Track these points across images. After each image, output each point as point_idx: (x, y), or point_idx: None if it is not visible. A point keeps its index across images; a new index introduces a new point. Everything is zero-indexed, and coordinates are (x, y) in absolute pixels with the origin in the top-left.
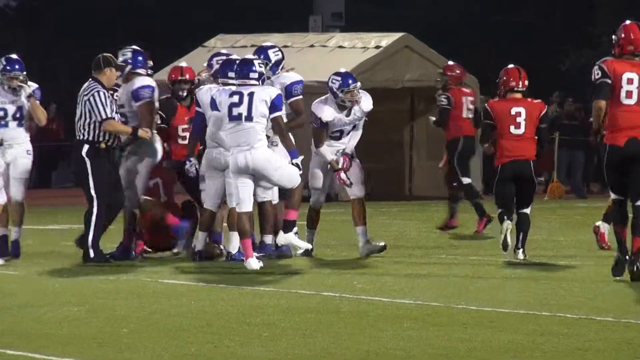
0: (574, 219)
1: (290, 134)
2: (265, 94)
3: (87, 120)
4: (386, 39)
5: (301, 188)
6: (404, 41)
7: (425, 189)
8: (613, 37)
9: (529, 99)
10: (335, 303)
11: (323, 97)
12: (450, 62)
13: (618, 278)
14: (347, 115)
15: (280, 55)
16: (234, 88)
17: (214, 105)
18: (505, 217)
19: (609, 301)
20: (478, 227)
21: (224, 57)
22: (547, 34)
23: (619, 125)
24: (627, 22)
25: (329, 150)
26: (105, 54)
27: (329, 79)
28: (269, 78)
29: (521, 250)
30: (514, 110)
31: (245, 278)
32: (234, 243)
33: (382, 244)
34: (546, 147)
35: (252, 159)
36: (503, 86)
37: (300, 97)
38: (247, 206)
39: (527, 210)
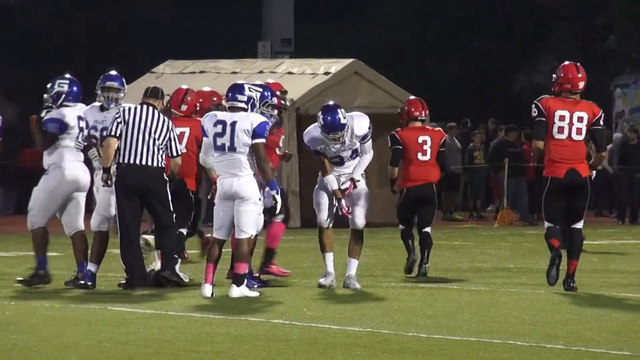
0: (524, 246)
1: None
2: (247, 122)
3: (164, 149)
4: (335, 65)
5: (253, 243)
6: (354, 67)
7: (375, 216)
8: (553, 75)
9: (430, 127)
10: (285, 331)
11: (312, 125)
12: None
13: (552, 288)
14: (340, 143)
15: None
16: (219, 115)
17: (203, 130)
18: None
19: (560, 328)
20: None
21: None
22: (501, 58)
23: (554, 158)
24: (566, 62)
25: (334, 179)
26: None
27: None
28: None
29: (426, 265)
30: (420, 139)
31: (195, 305)
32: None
33: (359, 286)
34: (447, 170)
35: (239, 184)
36: (407, 115)
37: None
38: (224, 234)
39: (429, 229)
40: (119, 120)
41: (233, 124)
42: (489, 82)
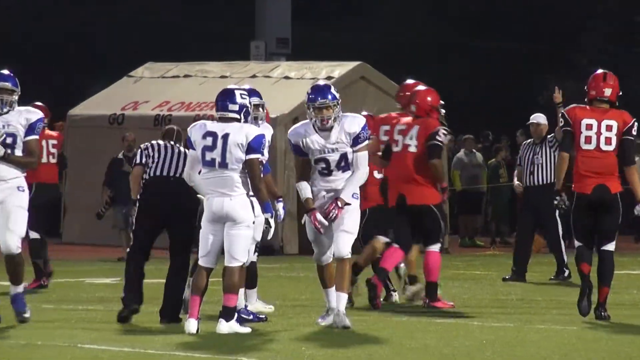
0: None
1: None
2: (241, 135)
3: None
4: (339, 69)
5: (244, 273)
6: (360, 71)
7: None
8: (585, 87)
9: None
10: None
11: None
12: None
13: (585, 323)
14: (327, 138)
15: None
16: (209, 125)
17: (189, 142)
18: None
19: None
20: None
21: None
22: (527, 61)
23: (582, 171)
24: (599, 71)
25: (307, 185)
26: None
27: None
28: None
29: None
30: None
31: (178, 343)
32: (243, 298)
33: (349, 324)
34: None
35: (230, 205)
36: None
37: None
38: (211, 261)
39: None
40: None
41: (225, 136)
42: (514, 88)
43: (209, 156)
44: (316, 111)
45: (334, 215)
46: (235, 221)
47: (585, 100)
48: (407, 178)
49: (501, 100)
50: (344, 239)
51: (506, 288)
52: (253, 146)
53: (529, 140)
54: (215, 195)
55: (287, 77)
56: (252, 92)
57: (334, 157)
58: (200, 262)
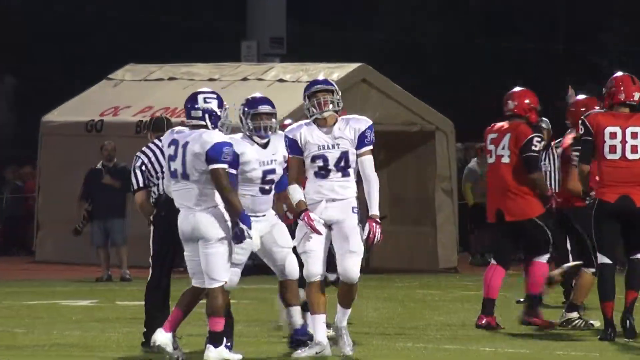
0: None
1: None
2: (198, 143)
3: None
4: (338, 71)
5: (227, 297)
6: (361, 73)
7: (388, 260)
8: (603, 89)
9: None
10: None
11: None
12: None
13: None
14: (328, 133)
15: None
16: (176, 132)
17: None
18: None
19: None
20: None
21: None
22: (542, 63)
23: (606, 181)
24: (619, 73)
25: (299, 189)
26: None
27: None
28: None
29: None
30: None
31: None
32: (295, 317)
33: (350, 352)
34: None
35: (195, 221)
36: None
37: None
38: (199, 281)
39: None
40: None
41: (185, 145)
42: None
43: (172, 166)
44: (312, 99)
45: (379, 236)
46: (204, 238)
47: (604, 105)
48: (504, 191)
49: None
50: (352, 261)
51: (520, 310)
52: (211, 155)
53: None
54: (183, 210)
55: (281, 80)
56: (214, 96)
57: (333, 155)
58: (193, 282)
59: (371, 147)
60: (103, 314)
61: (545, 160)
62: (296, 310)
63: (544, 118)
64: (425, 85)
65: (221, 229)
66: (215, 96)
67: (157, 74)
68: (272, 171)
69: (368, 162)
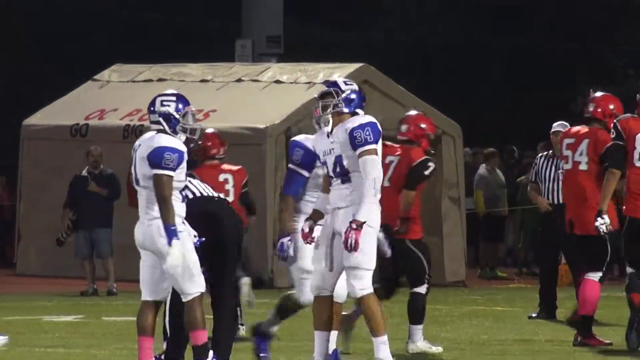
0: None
1: None
2: (145, 148)
3: None
4: (339, 72)
5: (201, 300)
6: (363, 74)
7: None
8: (637, 95)
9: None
10: None
11: None
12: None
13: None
14: (330, 138)
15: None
16: (140, 138)
17: None
18: None
19: None
20: None
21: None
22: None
23: (634, 191)
24: None
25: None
26: None
27: None
28: None
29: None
30: (221, 177)
31: None
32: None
33: None
34: (253, 212)
35: (144, 232)
36: (203, 152)
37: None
38: (149, 293)
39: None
40: None
41: (136, 149)
42: (544, 95)
43: (132, 171)
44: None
45: (353, 241)
46: (155, 252)
47: (637, 111)
48: (579, 200)
49: (527, 108)
50: (356, 278)
51: (533, 327)
52: (152, 160)
53: (546, 153)
54: (139, 219)
55: (278, 81)
56: (172, 99)
57: (330, 160)
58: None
59: (367, 147)
60: (88, 330)
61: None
62: (332, 335)
63: (563, 122)
64: (431, 87)
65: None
66: (174, 99)
67: (146, 75)
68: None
69: (362, 164)
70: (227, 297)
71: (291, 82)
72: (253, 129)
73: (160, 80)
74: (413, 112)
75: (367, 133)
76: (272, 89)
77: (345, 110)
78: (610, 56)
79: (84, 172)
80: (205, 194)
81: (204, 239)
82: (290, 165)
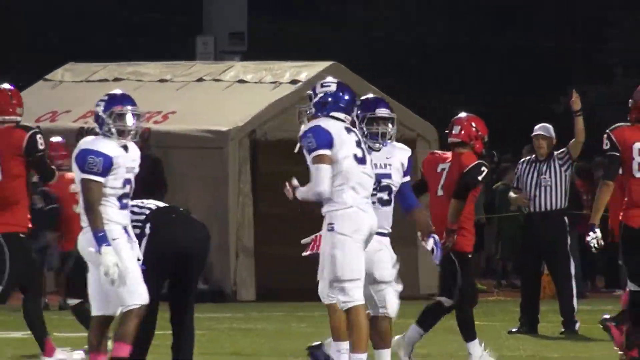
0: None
1: None
2: (75, 151)
3: None
4: (307, 71)
5: (139, 313)
6: (333, 73)
7: None
8: (630, 100)
9: None
10: None
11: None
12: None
13: None
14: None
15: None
16: None
17: None
18: None
19: None
20: None
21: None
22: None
23: (633, 202)
24: None
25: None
26: None
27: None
28: None
29: None
30: (72, 188)
31: None
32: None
33: None
34: None
35: (80, 242)
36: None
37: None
38: (97, 309)
39: None
40: None
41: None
42: (523, 96)
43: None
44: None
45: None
46: (94, 262)
47: (632, 117)
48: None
49: (507, 110)
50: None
51: (513, 342)
52: (77, 163)
53: (529, 157)
54: None
55: (242, 81)
56: (125, 98)
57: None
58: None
59: (311, 154)
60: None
61: (545, 174)
62: (385, 354)
63: (546, 124)
64: (406, 87)
65: (91, 249)
66: (105, 98)
67: (101, 74)
68: (387, 176)
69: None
70: (188, 313)
71: (256, 82)
72: (215, 132)
73: (116, 80)
74: (464, 114)
75: (309, 141)
76: (235, 89)
77: (319, 115)
78: (600, 56)
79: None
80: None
81: (145, 267)
82: None
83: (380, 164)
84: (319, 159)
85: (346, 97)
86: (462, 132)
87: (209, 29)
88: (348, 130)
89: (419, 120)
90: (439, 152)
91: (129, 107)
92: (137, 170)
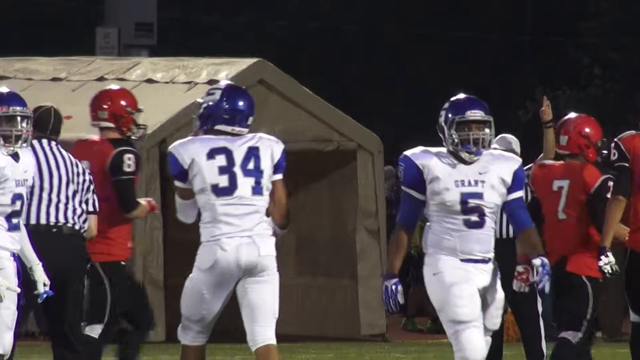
0: None
1: None
2: None
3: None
4: (227, 69)
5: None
6: (258, 72)
7: (292, 324)
8: (638, 104)
9: None
10: None
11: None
12: None
13: None
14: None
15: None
16: None
17: None
18: None
19: None
20: None
21: None
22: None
23: None
24: None
25: None
26: None
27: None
28: None
29: None
30: None
31: None
32: None
33: None
34: None
35: None
36: None
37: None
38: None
39: None
40: None
41: None
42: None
43: None
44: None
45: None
46: None
47: (638, 124)
48: None
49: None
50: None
51: None
52: None
53: None
54: None
55: (150, 80)
56: (12, 98)
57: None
58: None
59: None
60: None
61: None
62: None
63: (507, 135)
64: (345, 89)
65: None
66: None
67: None
68: (478, 195)
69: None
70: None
71: (167, 82)
72: None
73: (2, 78)
74: (572, 115)
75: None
76: (142, 90)
77: (204, 128)
78: (575, 53)
79: None
80: (42, 222)
81: (52, 292)
82: None
83: (469, 181)
84: (176, 190)
85: (230, 106)
86: (570, 141)
87: (113, 18)
88: (218, 151)
89: (359, 128)
90: (549, 162)
91: (18, 109)
92: (30, 183)
